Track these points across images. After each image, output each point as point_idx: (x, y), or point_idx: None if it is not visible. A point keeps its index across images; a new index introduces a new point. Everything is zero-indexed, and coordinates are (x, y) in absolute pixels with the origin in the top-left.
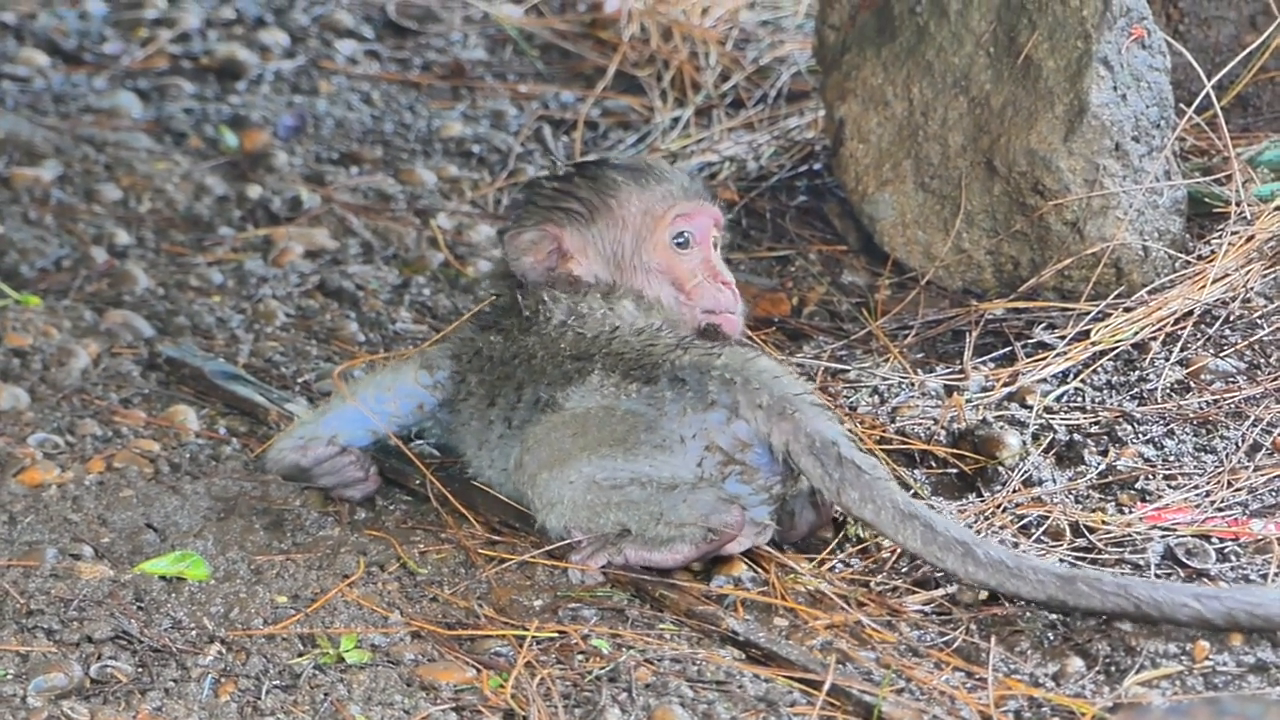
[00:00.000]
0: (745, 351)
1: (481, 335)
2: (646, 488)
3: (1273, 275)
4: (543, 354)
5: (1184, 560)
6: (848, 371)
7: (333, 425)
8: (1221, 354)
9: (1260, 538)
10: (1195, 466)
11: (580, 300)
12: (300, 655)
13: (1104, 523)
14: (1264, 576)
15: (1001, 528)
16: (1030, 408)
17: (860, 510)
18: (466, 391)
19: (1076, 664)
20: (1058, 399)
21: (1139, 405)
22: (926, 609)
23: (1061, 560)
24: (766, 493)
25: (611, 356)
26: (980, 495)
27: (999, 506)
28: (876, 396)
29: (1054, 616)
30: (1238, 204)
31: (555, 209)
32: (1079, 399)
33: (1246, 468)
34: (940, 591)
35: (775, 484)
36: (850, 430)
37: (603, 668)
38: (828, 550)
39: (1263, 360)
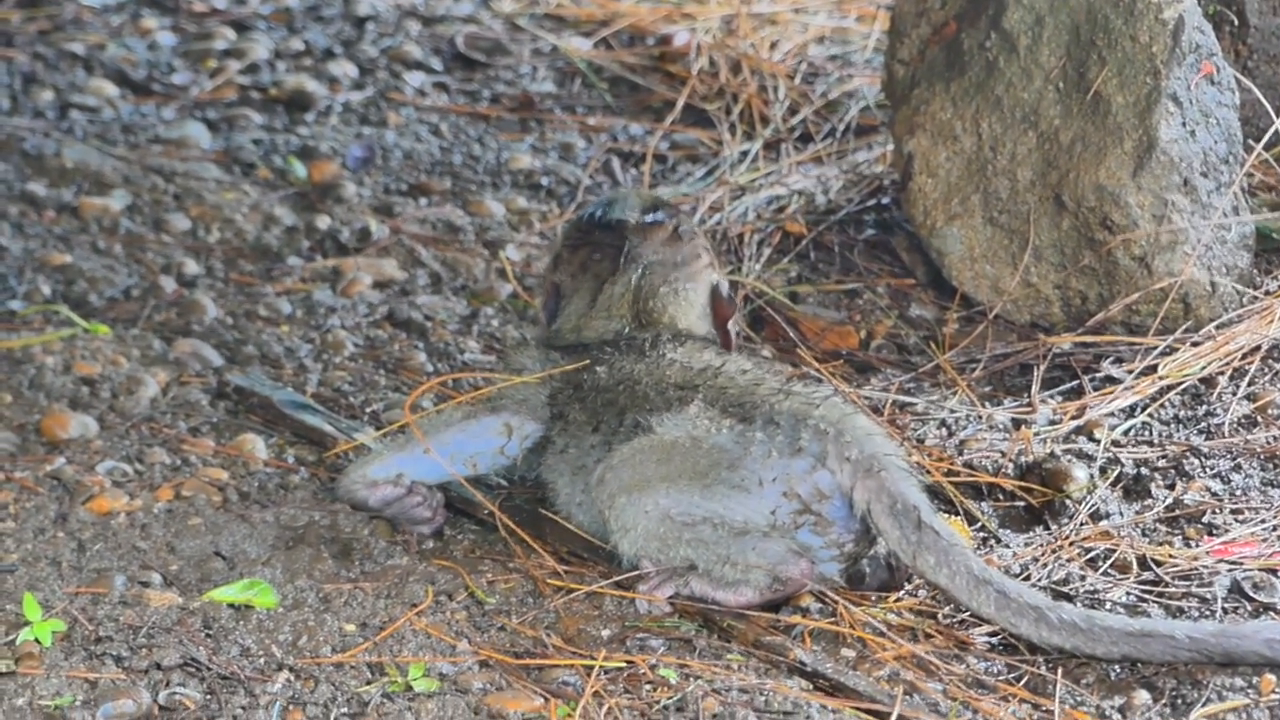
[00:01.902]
0: (845, 406)
1: (581, 373)
2: (718, 529)
3: None
4: (647, 380)
5: (1251, 594)
6: (915, 404)
7: (404, 464)
8: None
9: None
10: (1262, 501)
11: (698, 342)
12: (368, 683)
13: (1171, 556)
14: None
15: (1069, 560)
16: (1098, 441)
17: (935, 575)
18: (563, 425)
19: (1143, 697)
20: (1125, 433)
21: (1206, 440)
22: (993, 640)
23: (1129, 594)
24: (838, 549)
25: (714, 390)
26: (1048, 528)
27: (1067, 539)
28: (944, 429)
29: None
30: None
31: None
32: (1146, 433)
33: None
34: None
35: (848, 541)
36: (918, 463)
37: (670, 698)
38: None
39: None
